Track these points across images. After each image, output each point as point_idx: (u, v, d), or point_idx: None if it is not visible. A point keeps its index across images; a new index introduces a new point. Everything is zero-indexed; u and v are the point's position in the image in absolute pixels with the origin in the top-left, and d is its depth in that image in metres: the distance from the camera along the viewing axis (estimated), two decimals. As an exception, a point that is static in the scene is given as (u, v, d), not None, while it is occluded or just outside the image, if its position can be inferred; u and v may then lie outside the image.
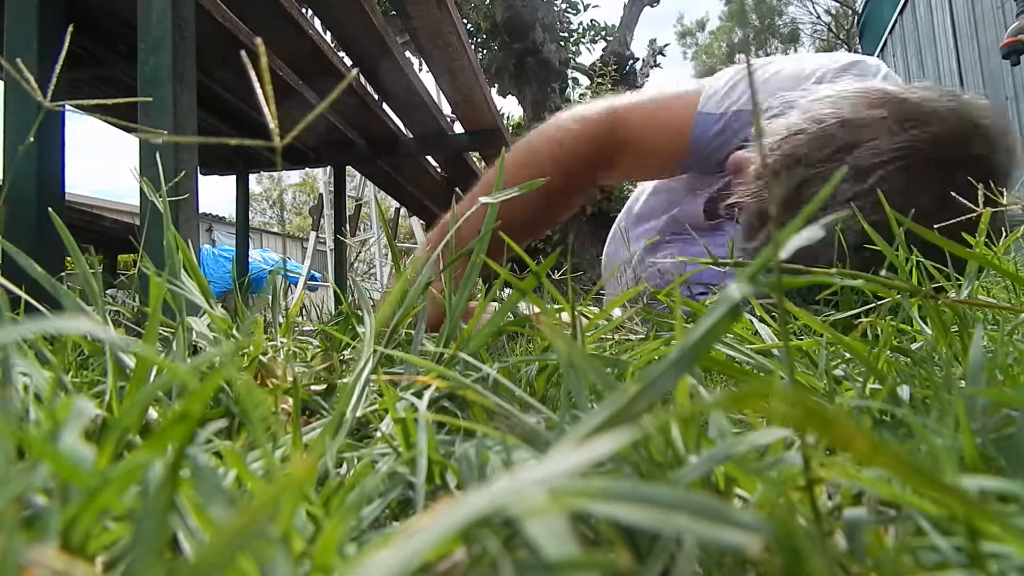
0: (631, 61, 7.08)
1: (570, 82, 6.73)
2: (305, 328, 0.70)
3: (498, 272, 0.39)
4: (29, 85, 0.33)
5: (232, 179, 2.36)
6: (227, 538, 0.11)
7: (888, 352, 0.35)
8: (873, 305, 0.45)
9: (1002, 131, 0.74)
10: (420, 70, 2.22)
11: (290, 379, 0.34)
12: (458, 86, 1.87)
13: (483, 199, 0.43)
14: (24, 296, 0.36)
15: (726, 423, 0.22)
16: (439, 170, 2.65)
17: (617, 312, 0.53)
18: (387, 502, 0.22)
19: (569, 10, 6.80)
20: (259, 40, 0.20)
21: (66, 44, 0.38)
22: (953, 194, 0.55)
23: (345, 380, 0.37)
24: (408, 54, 2.03)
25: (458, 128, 2.21)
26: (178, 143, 0.83)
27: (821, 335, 0.37)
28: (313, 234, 5.14)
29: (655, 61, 7.65)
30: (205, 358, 0.25)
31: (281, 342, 0.42)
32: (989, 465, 0.21)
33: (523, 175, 0.92)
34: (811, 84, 0.89)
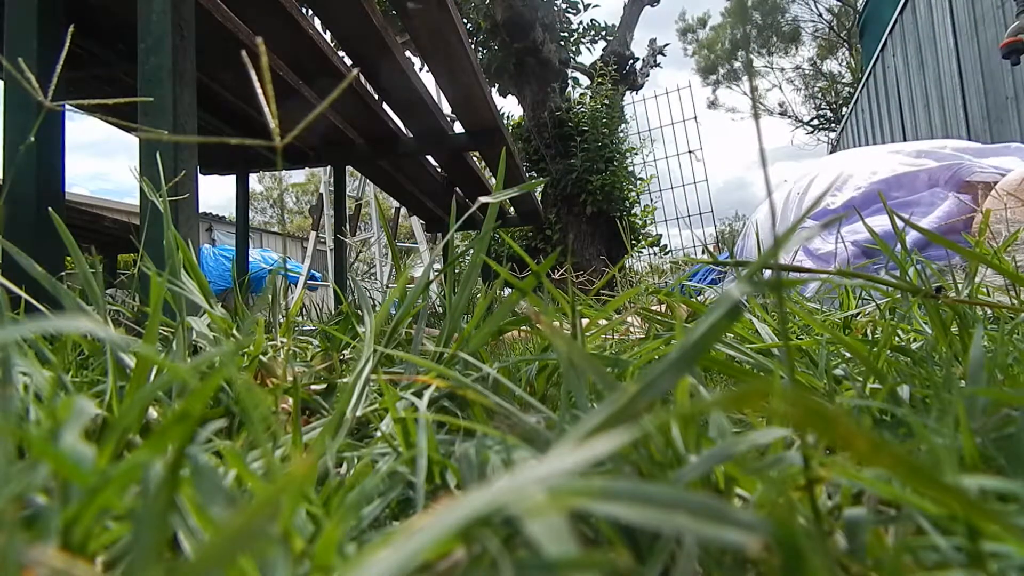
0: (631, 61, 7.07)
1: (570, 82, 6.72)
2: (305, 328, 0.70)
3: (498, 271, 0.39)
4: (29, 85, 0.33)
5: (232, 179, 2.36)
6: (227, 538, 0.11)
7: (888, 352, 0.35)
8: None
9: None
10: (420, 70, 2.22)
11: (290, 379, 0.34)
12: (458, 86, 1.87)
13: (483, 199, 0.42)
14: (24, 296, 0.36)
15: (726, 423, 0.22)
16: (439, 169, 2.65)
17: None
18: (387, 502, 0.22)
19: (569, 10, 6.79)
20: (259, 40, 0.20)
21: (66, 44, 0.38)
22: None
23: (345, 380, 0.37)
24: (408, 54, 2.03)
25: (458, 128, 2.21)
26: (178, 143, 0.83)
27: (821, 335, 0.37)
28: (313, 234, 5.13)
29: (655, 61, 7.64)
30: (205, 358, 0.25)
31: (281, 342, 0.42)
32: (989, 465, 0.21)
33: None
34: None
